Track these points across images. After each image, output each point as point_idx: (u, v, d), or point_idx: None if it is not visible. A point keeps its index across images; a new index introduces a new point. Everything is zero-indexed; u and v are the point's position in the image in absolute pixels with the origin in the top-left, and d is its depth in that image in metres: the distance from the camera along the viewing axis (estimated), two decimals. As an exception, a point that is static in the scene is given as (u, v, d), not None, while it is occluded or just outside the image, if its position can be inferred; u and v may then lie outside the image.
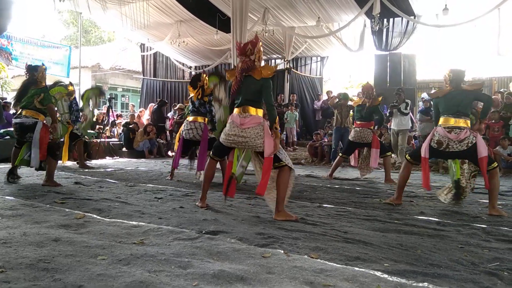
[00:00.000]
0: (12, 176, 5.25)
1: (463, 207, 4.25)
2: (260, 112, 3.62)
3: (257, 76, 3.56)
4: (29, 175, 6.02)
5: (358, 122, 6.42)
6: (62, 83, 6.92)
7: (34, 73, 5.25)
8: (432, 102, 4.71)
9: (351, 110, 7.35)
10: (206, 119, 5.70)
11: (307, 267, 2.11)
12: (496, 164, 4.10)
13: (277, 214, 3.42)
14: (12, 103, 5.71)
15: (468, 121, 4.05)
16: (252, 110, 3.57)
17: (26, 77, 5.33)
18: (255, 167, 3.80)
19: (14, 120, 5.24)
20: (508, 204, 4.40)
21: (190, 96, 5.92)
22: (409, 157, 4.42)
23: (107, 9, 11.67)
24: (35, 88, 5.18)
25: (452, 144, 3.99)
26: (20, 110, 5.19)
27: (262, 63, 3.82)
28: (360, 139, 6.36)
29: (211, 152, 3.89)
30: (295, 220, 3.35)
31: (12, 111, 9.94)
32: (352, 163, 6.84)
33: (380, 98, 6.61)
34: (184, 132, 5.76)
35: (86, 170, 7.24)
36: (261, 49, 3.69)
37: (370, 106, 6.35)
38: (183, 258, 2.20)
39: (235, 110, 3.65)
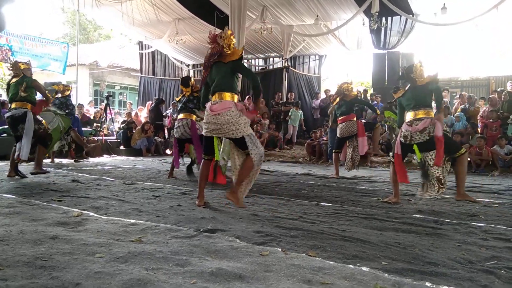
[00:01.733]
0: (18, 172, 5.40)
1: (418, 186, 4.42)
2: (234, 97, 3.63)
3: (224, 60, 3.61)
4: (26, 173, 6.00)
5: (341, 118, 6.65)
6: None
7: (12, 69, 5.48)
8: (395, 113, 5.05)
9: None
10: (194, 115, 5.72)
11: (305, 265, 2.11)
12: (464, 150, 4.30)
13: (230, 193, 3.63)
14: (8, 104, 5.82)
15: (430, 111, 4.19)
16: (226, 96, 3.59)
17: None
18: (232, 155, 3.83)
19: (6, 115, 5.35)
20: (505, 203, 4.41)
21: (181, 95, 5.99)
22: (392, 158, 4.52)
23: (103, 6, 11.65)
24: (15, 80, 5.33)
25: (415, 136, 4.15)
26: (9, 104, 5.35)
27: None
28: (347, 132, 6.60)
29: (203, 153, 3.90)
30: (242, 207, 3.61)
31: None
32: (340, 157, 6.95)
33: (354, 93, 7.08)
34: (174, 131, 5.85)
35: (81, 162, 7.30)
36: (232, 38, 3.72)
37: (346, 100, 6.65)
38: (181, 256, 2.20)
39: (211, 99, 3.67)
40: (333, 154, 6.98)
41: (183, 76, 8.15)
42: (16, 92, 5.26)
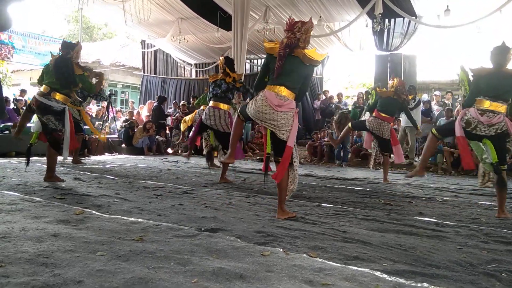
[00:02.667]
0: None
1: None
2: (294, 97, 3.44)
3: (306, 61, 3.36)
4: (28, 170, 6.01)
5: (381, 114, 6.18)
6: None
7: (70, 51, 4.83)
8: (468, 81, 4.21)
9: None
10: (229, 106, 5.44)
11: (306, 266, 2.11)
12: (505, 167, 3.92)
13: (280, 213, 3.40)
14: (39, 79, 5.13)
15: (505, 107, 3.80)
16: (289, 94, 3.38)
17: (59, 54, 4.89)
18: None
19: (40, 99, 4.73)
20: (506, 206, 4.39)
21: (215, 79, 5.50)
22: (435, 131, 4.26)
23: (106, 4, 11.67)
24: (73, 73, 4.77)
25: (481, 127, 3.80)
26: (48, 89, 4.76)
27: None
28: (375, 130, 6.21)
29: (239, 112, 3.80)
30: (294, 217, 3.37)
31: (12, 105, 9.93)
32: (365, 145, 6.81)
33: (411, 96, 6.78)
34: (205, 117, 5.44)
35: (80, 166, 7.21)
36: (311, 33, 3.46)
37: (398, 99, 6.19)
38: (182, 255, 2.20)
39: (271, 88, 3.39)
40: (381, 157, 6.52)
41: (227, 56, 7.12)
42: (67, 86, 4.79)
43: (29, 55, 13.05)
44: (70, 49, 4.87)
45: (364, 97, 11.37)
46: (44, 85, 4.83)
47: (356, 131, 9.59)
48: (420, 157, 4.45)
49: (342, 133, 6.89)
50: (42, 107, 4.76)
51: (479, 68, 3.97)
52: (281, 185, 3.43)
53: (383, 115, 6.16)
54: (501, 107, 3.79)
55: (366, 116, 6.96)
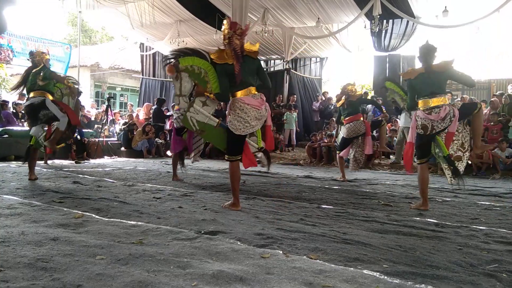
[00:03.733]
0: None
1: (464, 184, 4.33)
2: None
3: (254, 55, 3.61)
4: (27, 174, 6.01)
5: (347, 118, 6.53)
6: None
7: (32, 57, 5.44)
8: (401, 88, 4.78)
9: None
10: None
11: (306, 268, 2.10)
12: (480, 105, 4.17)
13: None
14: (16, 91, 5.86)
15: (445, 98, 4.06)
16: (256, 90, 3.63)
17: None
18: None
19: (24, 105, 5.35)
20: (506, 206, 4.40)
21: None
22: (417, 160, 4.28)
23: (105, 7, 11.67)
24: (35, 70, 5.33)
25: (436, 124, 3.98)
26: (27, 94, 5.35)
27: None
28: (354, 132, 6.50)
29: (228, 156, 3.75)
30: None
31: (11, 109, 9.92)
32: (342, 154, 6.84)
33: (359, 92, 7.00)
34: (175, 121, 5.79)
35: (82, 162, 7.25)
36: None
37: (352, 101, 6.55)
38: (182, 258, 2.20)
39: (241, 93, 3.58)
40: (338, 157, 6.89)
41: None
42: (34, 82, 5.26)
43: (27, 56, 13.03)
44: (31, 56, 5.51)
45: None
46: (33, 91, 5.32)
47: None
48: (419, 191, 4.31)
49: (340, 167, 6.89)
50: (29, 110, 5.26)
51: (408, 71, 4.25)
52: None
53: (351, 117, 6.50)
54: (443, 99, 4.01)
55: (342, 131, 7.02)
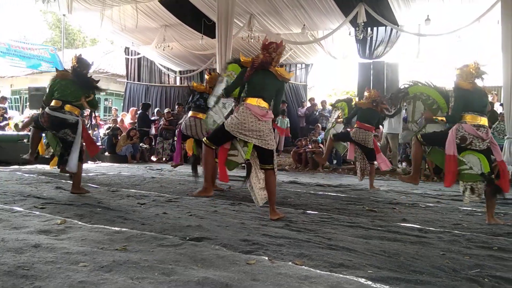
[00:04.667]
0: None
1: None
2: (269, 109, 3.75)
3: (279, 77, 3.72)
4: (8, 179, 5.89)
5: (365, 125, 6.33)
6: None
7: (84, 70, 4.98)
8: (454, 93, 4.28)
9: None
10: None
11: (291, 274, 2.10)
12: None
13: (273, 215, 3.68)
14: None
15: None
16: (267, 105, 3.68)
17: (73, 68, 4.95)
18: (253, 164, 3.83)
19: (53, 113, 4.64)
20: (508, 213, 4.48)
21: (203, 92, 5.61)
22: (420, 137, 4.21)
23: (90, 11, 11.57)
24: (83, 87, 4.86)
25: (476, 142, 3.88)
26: (61, 103, 4.69)
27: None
28: (362, 140, 6.32)
29: (206, 139, 3.87)
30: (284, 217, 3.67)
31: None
32: (349, 156, 6.82)
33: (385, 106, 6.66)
34: (185, 127, 5.55)
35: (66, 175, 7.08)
36: (282, 55, 3.91)
37: (375, 110, 6.40)
38: (166, 265, 2.18)
39: (251, 100, 3.64)
40: (329, 140, 6.82)
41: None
42: (78, 98, 4.79)
43: (15, 58, 12.75)
44: (87, 67, 5.09)
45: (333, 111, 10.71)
46: (55, 100, 4.73)
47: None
48: (412, 165, 4.41)
49: (326, 147, 6.94)
50: (57, 122, 4.67)
51: (463, 82, 4.06)
52: (272, 188, 3.74)
53: (366, 125, 6.30)
54: (486, 121, 3.96)
55: (333, 130, 7.08)
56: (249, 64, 3.75)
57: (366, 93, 6.71)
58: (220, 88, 4.22)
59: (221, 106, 4.35)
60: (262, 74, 3.69)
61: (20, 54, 12.55)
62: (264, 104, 3.65)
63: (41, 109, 5.20)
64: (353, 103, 6.83)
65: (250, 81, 3.69)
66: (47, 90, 4.99)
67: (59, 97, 4.74)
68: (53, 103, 4.74)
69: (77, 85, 4.82)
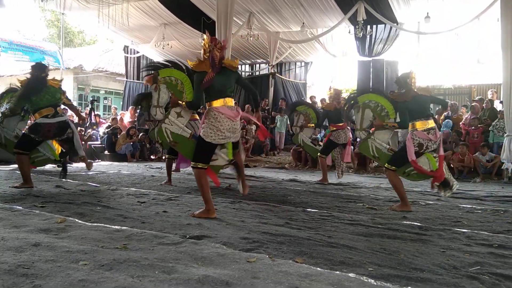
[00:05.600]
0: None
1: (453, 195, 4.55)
2: None
3: (232, 68, 3.66)
4: (8, 178, 5.89)
5: (341, 124, 6.62)
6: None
7: (43, 73, 5.01)
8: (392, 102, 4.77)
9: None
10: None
11: (292, 272, 2.10)
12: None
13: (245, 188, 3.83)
14: (17, 103, 5.35)
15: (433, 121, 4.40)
16: (233, 102, 3.66)
17: (30, 75, 5.01)
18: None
19: (49, 121, 4.89)
20: (487, 209, 4.48)
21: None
22: (390, 166, 4.46)
23: (89, 9, 11.54)
24: (52, 86, 5.03)
25: (430, 145, 4.30)
26: (53, 109, 4.95)
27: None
28: (343, 140, 6.69)
29: (195, 162, 3.62)
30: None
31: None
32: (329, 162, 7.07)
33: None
34: None
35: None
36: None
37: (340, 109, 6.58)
38: (167, 263, 2.18)
39: (219, 102, 3.54)
40: (321, 159, 6.95)
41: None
42: (59, 98, 5.08)
43: (18, 52, 12.67)
44: (46, 69, 5.11)
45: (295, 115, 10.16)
46: (45, 109, 4.91)
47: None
48: (397, 194, 4.50)
49: (322, 168, 6.99)
50: (63, 125, 5.02)
51: (400, 94, 4.47)
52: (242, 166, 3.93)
53: (339, 124, 6.63)
54: (432, 122, 4.37)
55: (302, 135, 7.34)
56: (202, 68, 3.60)
57: (327, 93, 7.08)
58: (163, 98, 4.17)
59: (174, 116, 4.16)
60: (221, 73, 3.59)
61: (23, 48, 12.48)
62: (231, 102, 3.62)
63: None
64: (318, 106, 7.07)
65: (213, 83, 3.56)
66: (19, 107, 5.41)
67: (48, 104, 4.94)
68: (46, 111, 4.92)
69: (50, 88, 5.01)
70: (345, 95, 12.11)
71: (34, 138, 4.95)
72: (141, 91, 16.31)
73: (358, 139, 8.62)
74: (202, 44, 3.70)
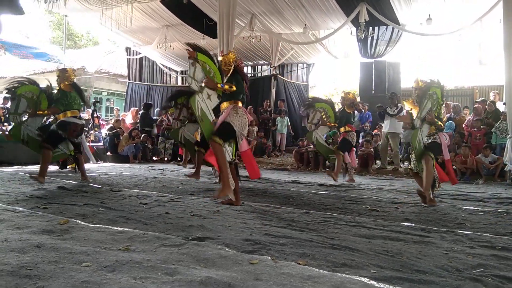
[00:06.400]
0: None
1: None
2: None
3: (241, 74, 4.23)
4: (10, 179, 5.91)
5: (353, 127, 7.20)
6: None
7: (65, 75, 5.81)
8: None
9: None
10: None
11: (294, 274, 2.10)
12: None
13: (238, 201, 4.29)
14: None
15: None
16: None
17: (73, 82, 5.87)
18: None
19: (77, 121, 5.76)
20: (490, 211, 4.47)
21: None
22: (432, 154, 4.67)
23: (91, 11, 11.57)
24: (74, 90, 5.80)
25: None
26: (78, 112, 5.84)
27: None
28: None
29: (215, 136, 4.01)
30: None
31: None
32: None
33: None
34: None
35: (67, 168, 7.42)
36: None
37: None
38: (169, 265, 2.18)
39: (237, 103, 4.16)
40: (338, 156, 7.07)
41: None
42: (79, 102, 5.80)
43: (22, 50, 12.73)
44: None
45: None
46: (72, 110, 5.71)
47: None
48: (424, 185, 4.66)
49: (338, 164, 7.02)
50: (82, 128, 5.97)
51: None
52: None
53: (353, 127, 7.22)
54: None
55: (316, 134, 7.36)
56: (231, 68, 4.17)
57: (343, 95, 7.36)
58: (199, 76, 4.29)
59: (206, 96, 4.31)
60: (237, 78, 4.22)
61: (27, 48, 12.55)
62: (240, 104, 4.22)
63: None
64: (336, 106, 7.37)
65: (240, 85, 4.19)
66: (60, 99, 5.70)
67: (77, 107, 5.76)
68: (72, 113, 5.68)
69: (78, 96, 5.82)
70: (324, 98, 12.12)
71: (61, 135, 5.60)
72: (144, 92, 16.38)
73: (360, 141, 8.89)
74: (228, 56, 4.26)
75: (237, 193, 4.30)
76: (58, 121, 5.68)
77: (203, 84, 4.31)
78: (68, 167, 8.21)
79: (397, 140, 9.42)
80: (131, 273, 2.03)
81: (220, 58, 4.35)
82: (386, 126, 9.38)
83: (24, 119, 5.99)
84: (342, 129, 7.08)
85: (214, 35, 11.56)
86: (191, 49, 4.32)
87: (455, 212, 4.42)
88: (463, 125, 9.69)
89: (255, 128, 12.35)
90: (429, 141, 4.80)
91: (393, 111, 9.19)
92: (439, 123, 4.76)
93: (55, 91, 5.92)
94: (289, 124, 13.03)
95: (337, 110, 7.51)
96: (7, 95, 6.13)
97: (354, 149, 7.31)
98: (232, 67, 4.16)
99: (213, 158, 3.99)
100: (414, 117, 4.92)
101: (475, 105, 9.94)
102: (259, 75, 15.71)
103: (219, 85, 4.14)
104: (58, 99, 5.63)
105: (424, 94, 4.79)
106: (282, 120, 12.63)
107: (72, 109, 5.64)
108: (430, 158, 4.60)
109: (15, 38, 13.38)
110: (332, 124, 7.18)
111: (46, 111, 5.80)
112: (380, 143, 9.89)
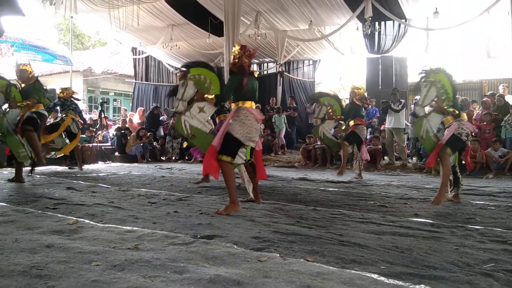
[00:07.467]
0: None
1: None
2: None
3: (255, 74, 4.01)
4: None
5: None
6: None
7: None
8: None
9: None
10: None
11: (303, 271, 2.09)
12: None
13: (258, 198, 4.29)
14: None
15: None
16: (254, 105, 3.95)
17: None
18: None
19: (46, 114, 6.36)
20: (500, 205, 4.42)
21: None
22: (450, 151, 4.42)
23: (97, 12, 11.62)
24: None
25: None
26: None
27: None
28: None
29: (222, 155, 3.71)
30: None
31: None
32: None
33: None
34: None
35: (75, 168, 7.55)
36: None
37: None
38: (178, 263, 2.18)
39: (248, 104, 3.86)
40: (344, 147, 7.03)
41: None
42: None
43: (30, 52, 12.83)
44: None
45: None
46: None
47: None
48: (440, 182, 4.47)
49: (343, 156, 7.00)
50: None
51: None
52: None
53: (362, 120, 7.11)
54: None
55: (323, 128, 7.28)
56: (238, 69, 3.88)
57: (353, 90, 7.31)
58: (188, 94, 4.22)
59: (196, 111, 4.22)
60: (251, 78, 3.89)
61: (35, 48, 12.64)
62: (255, 106, 3.95)
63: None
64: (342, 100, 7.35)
65: (247, 87, 3.87)
66: (37, 91, 5.90)
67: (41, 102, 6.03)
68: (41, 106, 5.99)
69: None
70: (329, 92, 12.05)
71: (38, 122, 5.89)
72: (150, 92, 16.44)
73: (368, 137, 8.77)
74: (233, 51, 3.99)
75: (256, 192, 4.29)
76: (34, 110, 5.77)
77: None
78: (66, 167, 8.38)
79: (402, 135, 9.37)
80: (140, 272, 2.03)
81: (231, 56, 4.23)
82: (390, 122, 9.34)
83: (5, 111, 5.82)
84: (352, 123, 6.95)
85: (219, 34, 11.57)
86: (180, 73, 4.30)
87: (465, 207, 4.38)
88: (472, 119, 9.59)
89: (262, 126, 12.32)
90: (445, 132, 4.60)
91: (397, 107, 9.15)
92: (451, 109, 4.52)
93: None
94: (285, 121, 12.92)
95: (344, 105, 7.44)
96: None
97: (365, 142, 7.26)
98: (238, 61, 3.87)
99: (212, 168, 3.75)
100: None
101: (484, 99, 9.83)
102: (265, 72, 15.68)
103: (206, 96, 4.06)
104: (36, 90, 5.76)
105: (421, 82, 4.62)
106: (279, 119, 12.60)
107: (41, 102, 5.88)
108: (447, 156, 4.36)
109: (25, 35, 13.37)
110: (338, 117, 7.13)
111: (27, 102, 5.71)
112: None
